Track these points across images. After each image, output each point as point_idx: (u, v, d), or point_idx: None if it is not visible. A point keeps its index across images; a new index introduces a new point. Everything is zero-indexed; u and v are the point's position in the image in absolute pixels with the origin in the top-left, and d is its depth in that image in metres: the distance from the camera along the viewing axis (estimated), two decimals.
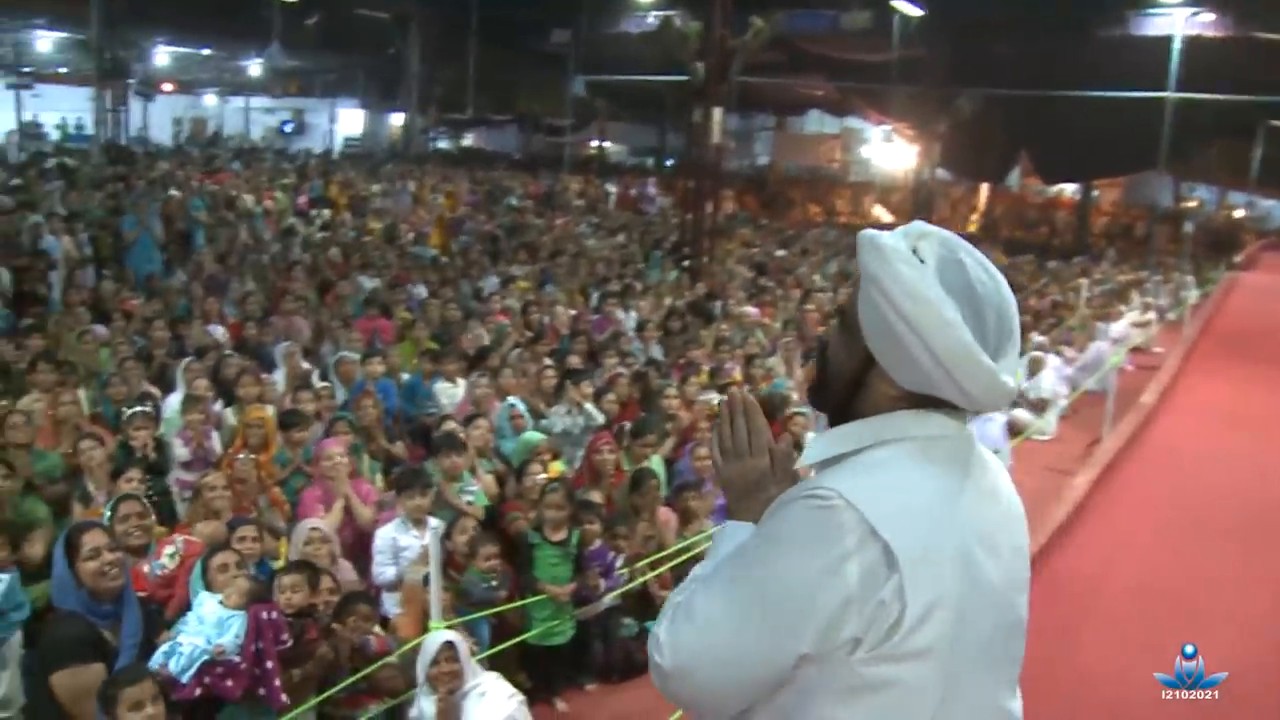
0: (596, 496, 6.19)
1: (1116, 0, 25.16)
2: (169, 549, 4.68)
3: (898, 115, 27.56)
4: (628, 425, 7.45)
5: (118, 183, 18.27)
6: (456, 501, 5.92)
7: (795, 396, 8.30)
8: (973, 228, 30.51)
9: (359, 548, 5.70)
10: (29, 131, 30.56)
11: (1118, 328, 14.25)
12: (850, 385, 1.66)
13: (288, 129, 41.54)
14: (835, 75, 28.43)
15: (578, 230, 20.55)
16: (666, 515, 6.16)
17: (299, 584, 4.39)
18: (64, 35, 30.12)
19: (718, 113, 15.44)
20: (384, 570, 5.35)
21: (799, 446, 4.87)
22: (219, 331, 9.51)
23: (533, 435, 6.94)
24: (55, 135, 32.76)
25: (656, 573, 5.71)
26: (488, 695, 4.38)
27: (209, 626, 3.98)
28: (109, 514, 4.71)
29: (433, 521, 4.54)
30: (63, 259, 11.74)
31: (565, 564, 5.43)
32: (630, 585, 5.66)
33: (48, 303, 10.53)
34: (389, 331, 10.12)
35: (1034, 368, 10.91)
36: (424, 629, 4.43)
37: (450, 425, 6.78)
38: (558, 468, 6.69)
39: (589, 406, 7.68)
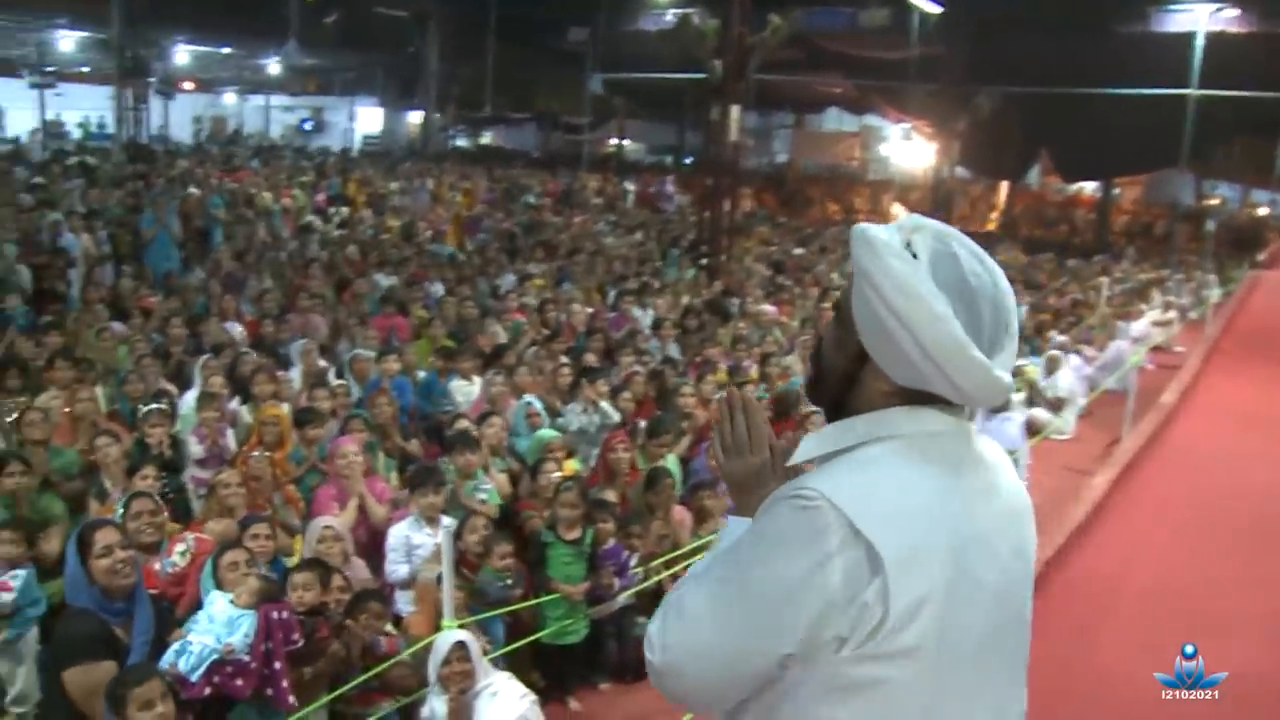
0: (611, 495, 6.17)
1: None
2: (180, 547, 4.69)
3: (917, 113, 27.44)
4: (643, 424, 7.44)
5: (137, 181, 18.36)
6: (468, 501, 5.91)
7: None
8: (992, 226, 30.35)
9: (373, 546, 5.69)
10: (52, 130, 30.78)
11: (1138, 327, 14.15)
12: (844, 381, 1.64)
13: (307, 127, 41.68)
14: (854, 73, 28.33)
15: (595, 228, 20.54)
16: (681, 514, 6.13)
17: (311, 582, 4.38)
18: (86, 35, 30.27)
19: (736, 110, 15.41)
20: (397, 568, 5.34)
21: None
22: (236, 329, 9.53)
23: (546, 433, 6.92)
24: (77, 134, 33.01)
25: (671, 572, 5.69)
26: (499, 695, 4.37)
27: (219, 625, 3.99)
28: (121, 511, 4.73)
29: (445, 520, 4.53)
30: (82, 256, 11.80)
31: (579, 563, 5.41)
32: (645, 584, 5.63)
33: (67, 300, 10.58)
34: (405, 329, 10.13)
35: (1051, 366, 10.84)
36: (437, 627, 4.42)
37: (463, 423, 6.78)
38: (572, 466, 6.67)
39: (605, 405, 7.66)
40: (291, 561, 5.10)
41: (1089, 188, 31.47)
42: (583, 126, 35.84)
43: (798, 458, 1.66)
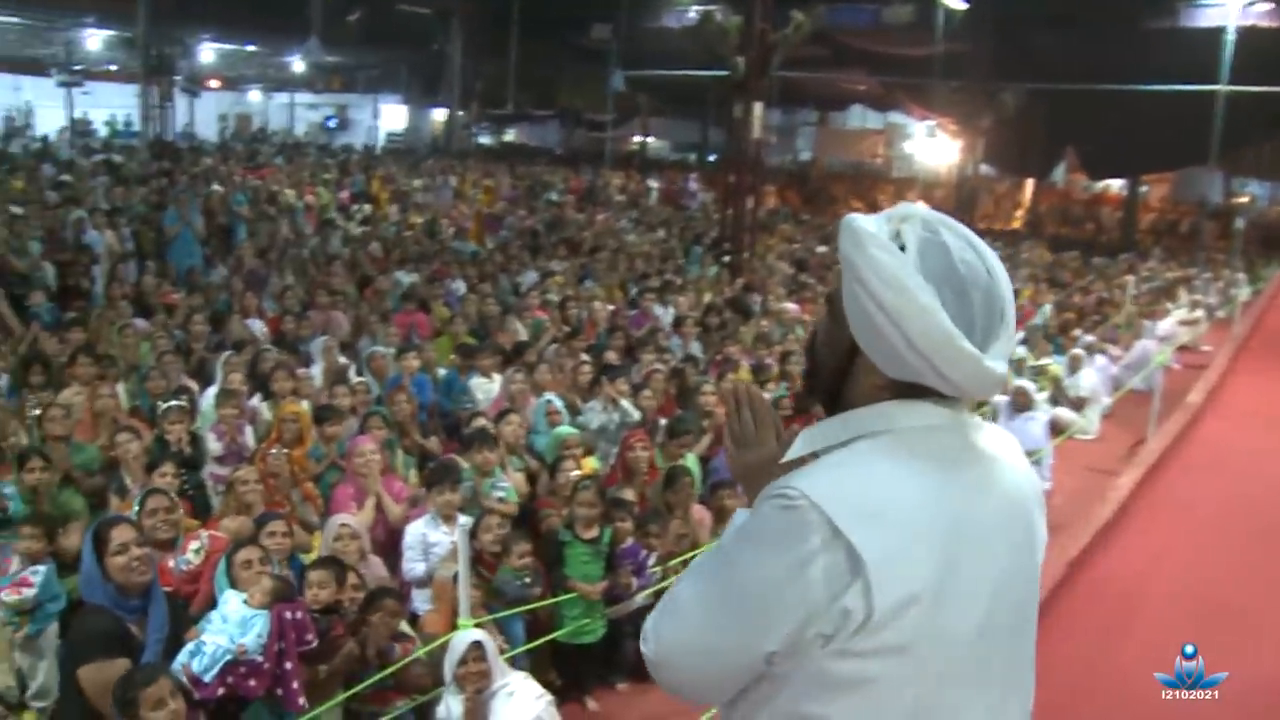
0: (630, 494, 6.13)
1: None
2: (194, 544, 4.70)
3: (941, 110, 27.24)
4: (664, 422, 7.41)
5: (162, 178, 18.47)
6: (486, 500, 5.90)
7: None
8: (1017, 224, 30.16)
9: (390, 544, 5.69)
10: (79, 128, 31.04)
11: (1164, 325, 14.00)
12: (837, 375, 1.63)
13: (331, 124, 41.85)
14: (878, 70, 28.15)
15: (618, 225, 20.53)
16: (701, 513, 6.09)
17: (326, 580, 4.38)
18: (112, 33, 30.48)
19: (758, 107, 15.35)
20: (414, 566, 5.34)
21: None
22: (258, 326, 9.57)
23: (564, 430, 6.89)
24: (104, 132, 33.28)
25: None
26: (516, 695, 4.35)
27: (232, 626, 3.98)
28: (137, 508, 4.74)
29: (461, 519, 4.51)
30: (105, 253, 11.87)
31: (596, 562, 5.39)
32: (663, 584, 5.60)
33: (91, 297, 10.65)
34: (426, 326, 10.14)
35: (1074, 365, 10.73)
36: (453, 626, 4.40)
37: (481, 421, 6.77)
38: (591, 464, 6.65)
39: (625, 403, 7.64)
40: (309, 558, 5.11)
41: (1116, 185, 31.21)
42: (606, 123, 35.79)
43: (792, 453, 1.63)
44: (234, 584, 4.24)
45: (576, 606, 5.30)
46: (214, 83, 36.99)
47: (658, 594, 5.64)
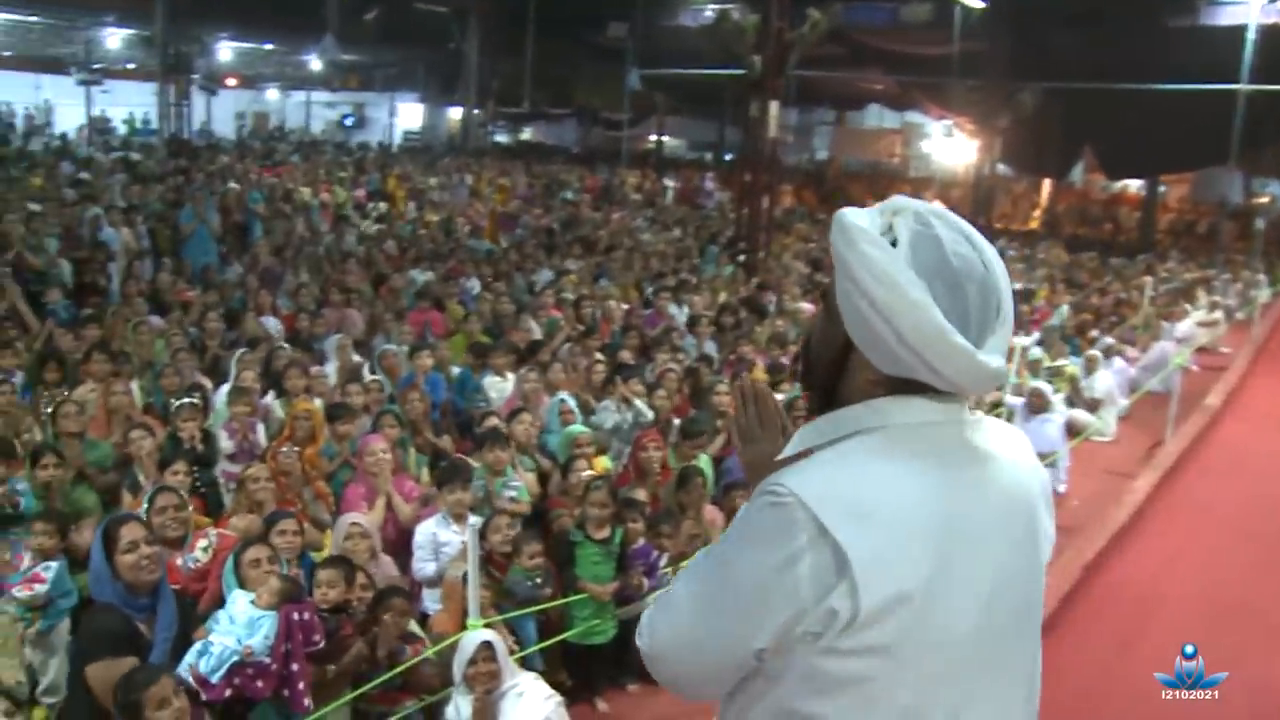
0: (642, 494, 6.10)
1: None
2: (202, 543, 4.70)
3: (959, 109, 27.07)
4: (677, 422, 7.38)
5: (178, 176, 18.54)
6: (497, 501, 5.88)
7: None
8: (1034, 224, 30.01)
9: (401, 543, 5.68)
10: (98, 126, 31.21)
11: (1183, 327, 13.89)
12: (832, 371, 1.61)
13: (348, 123, 41.98)
14: (895, 69, 28.03)
15: (634, 224, 20.51)
16: (713, 514, 6.06)
17: (335, 579, 4.37)
18: (132, 32, 30.65)
19: (775, 106, 15.30)
20: (424, 566, 5.33)
21: None
22: (273, 324, 9.58)
23: (575, 428, 6.87)
24: (122, 130, 33.46)
25: None
26: (525, 696, 4.33)
27: (240, 627, 3.98)
28: (146, 505, 4.74)
29: (471, 518, 4.50)
30: (121, 251, 11.92)
31: (607, 562, 5.36)
32: None
33: (107, 294, 10.69)
34: (440, 325, 10.14)
35: (1089, 367, 10.65)
36: (463, 626, 4.38)
37: (493, 420, 6.75)
38: (603, 464, 6.62)
39: (638, 403, 7.61)
40: (320, 557, 5.10)
41: (1134, 185, 31.01)
42: (622, 122, 35.75)
43: (788, 450, 1.61)
44: (242, 583, 4.23)
45: (587, 607, 5.27)
46: (232, 81, 37.13)
47: None
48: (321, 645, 4.11)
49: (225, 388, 7.41)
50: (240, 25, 30.47)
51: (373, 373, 8.18)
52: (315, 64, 35.50)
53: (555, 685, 4.65)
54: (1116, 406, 10.51)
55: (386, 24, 31.52)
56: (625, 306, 11.60)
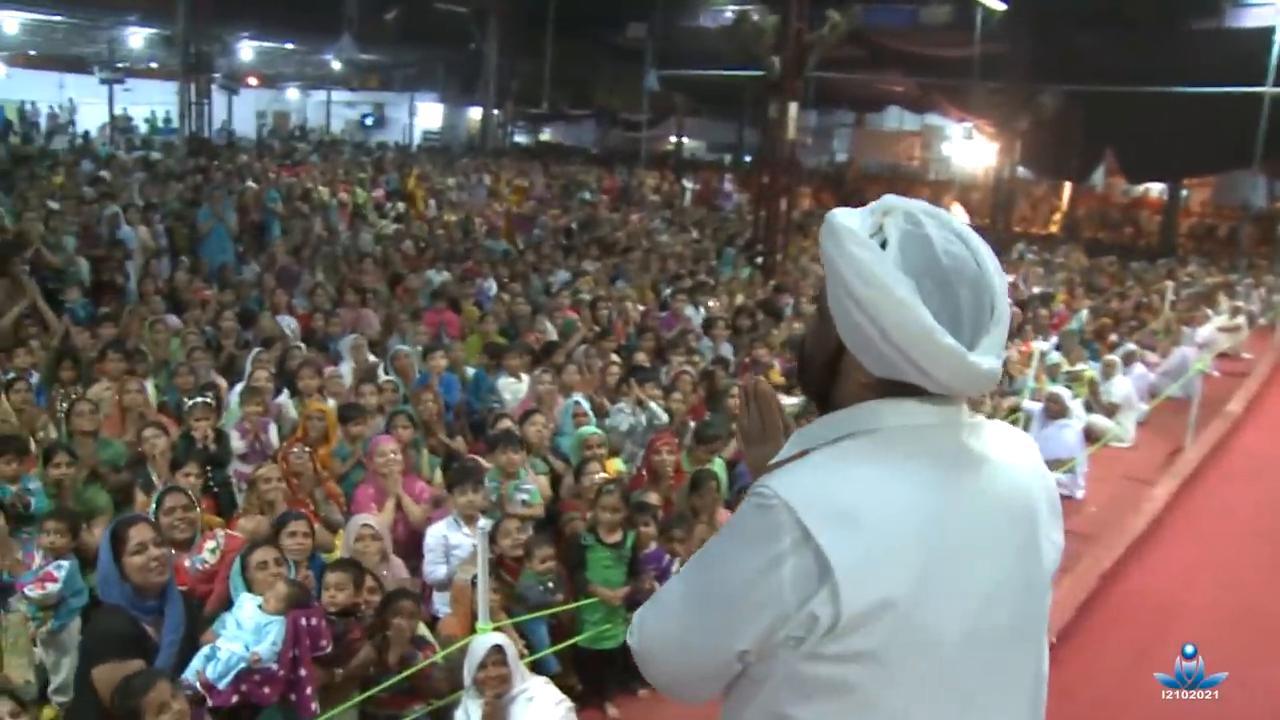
0: (654, 498, 6.07)
1: None
2: (210, 544, 4.69)
3: (979, 112, 26.92)
4: (693, 425, 7.34)
5: (197, 175, 18.61)
6: (509, 505, 5.85)
7: None
8: (1054, 228, 29.83)
9: (411, 545, 5.66)
10: (119, 125, 31.41)
11: (1204, 332, 13.75)
12: (825, 374, 1.60)
13: (368, 122, 42.11)
14: (915, 71, 27.89)
15: (651, 226, 20.48)
16: (727, 518, 6.02)
17: (344, 582, 4.36)
18: (154, 31, 30.84)
19: (793, 108, 15.25)
20: (435, 569, 5.30)
21: None
22: (290, 323, 9.59)
23: (586, 429, 6.84)
24: (144, 128, 33.66)
25: None
26: (535, 700, 4.30)
27: (247, 632, 3.96)
28: (154, 506, 4.73)
29: (481, 521, 4.47)
30: (139, 249, 11.95)
31: (619, 567, 5.33)
32: None
33: (124, 292, 10.72)
34: (455, 325, 10.13)
35: (1107, 371, 10.56)
36: (471, 630, 4.36)
37: (506, 422, 6.73)
38: (616, 466, 6.59)
39: (653, 405, 7.57)
40: (331, 558, 5.09)
41: (1155, 189, 30.79)
42: (641, 123, 35.72)
43: (784, 453, 1.59)
44: (249, 585, 4.21)
45: (598, 611, 5.24)
46: (252, 80, 37.29)
47: None
48: (329, 650, 4.09)
49: (239, 387, 7.42)
50: (261, 25, 30.57)
51: (387, 373, 8.18)
52: (335, 64, 35.63)
53: (566, 690, 4.62)
54: (1136, 412, 10.41)
55: (406, 24, 31.59)
56: (641, 308, 11.57)
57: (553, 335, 9.84)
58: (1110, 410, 10.09)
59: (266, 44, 34.35)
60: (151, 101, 34.17)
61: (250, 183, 17.03)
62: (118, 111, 31.78)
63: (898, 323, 1.41)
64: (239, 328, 9.05)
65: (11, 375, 6.96)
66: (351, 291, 10.52)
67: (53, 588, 4.56)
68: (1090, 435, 9.21)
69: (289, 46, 35.12)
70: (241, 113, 35.47)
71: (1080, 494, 8.37)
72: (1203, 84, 21.78)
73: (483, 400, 8.21)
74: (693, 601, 1.55)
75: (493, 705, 4.20)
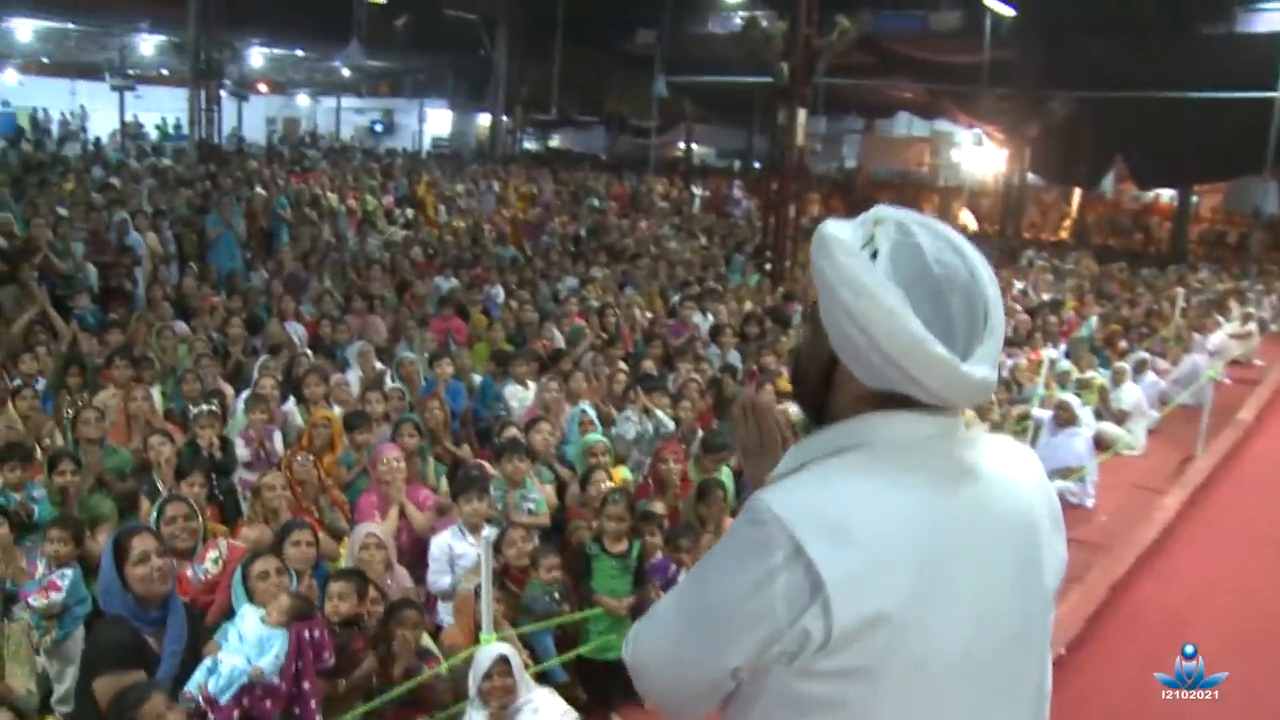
0: (660, 507, 6.03)
1: None
2: (212, 554, 4.67)
3: (988, 118, 26.87)
4: (700, 433, 7.30)
5: (206, 181, 18.63)
6: (514, 514, 5.83)
7: None
8: (1064, 234, 29.73)
9: (415, 553, 5.64)
10: (130, 131, 31.52)
11: (1215, 339, 13.68)
12: (820, 386, 1.58)
13: (378, 129, 42.20)
14: (924, 77, 27.83)
15: (660, 232, 20.45)
16: None
17: (347, 592, 4.33)
18: (164, 38, 30.97)
19: (802, 114, 15.21)
20: (439, 578, 5.28)
21: None
22: (298, 330, 9.58)
23: (590, 437, 6.81)
24: (155, 135, 33.78)
25: None
26: (540, 711, 4.27)
27: (249, 646, 3.93)
28: (155, 515, 4.71)
29: (485, 530, 4.45)
30: (147, 255, 11.96)
31: (624, 577, 5.30)
32: None
33: (133, 299, 10.73)
34: (463, 332, 10.12)
35: (1117, 379, 10.50)
36: (475, 640, 4.33)
37: (512, 431, 6.71)
38: (622, 475, 6.56)
39: (659, 413, 7.54)
40: (336, 567, 5.07)
41: (1166, 195, 30.68)
42: (651, 130, 35.71)
43: (780, 468, 1.58)
44: (250, 595, 4.19)
45: (603, 621, 5.21)
46: (262, 87, 37.41)
47: None
48: (331, 663, 4.06)
49: (246, 394, 7.41)
50: (271, 31, 30.65)
51: (393, 380, 8.16)
52: (345, 70, 35.71)
53: (571, 700, 4.60)
54: (1146, 419, 10.34)
55: (416, 30, 31.66)
56: (650, 315, 11.54)
57: (560, 342, 9.82)
58: (1120, 418, 10.02)
59: (276, 50, 34.44)
60: (162, 108, 34.31)
61: (259, 189, 17.03)
62: (128, 118, 31.87)
63: (888, 332, 1.40)
64: (246, 334, 9.04)
65: (18, 382, 6.95)
66: (359, 298, 10.51)
67: (56, 597, 4.54)
68: (1100, 443, 9.15)
69: (299, 53, 35.22)
70: (251, 119, 35.57)
71: (1090, 503, 8.31)
72: (1213, 89, 21.69)
73: (489, 408, 8.19)
74: (686, 617, 1.54)
75: (498, 716, 4.18)
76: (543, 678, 4.73)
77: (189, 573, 4.64)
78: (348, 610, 4.33)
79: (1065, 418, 8.71)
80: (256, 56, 33.94)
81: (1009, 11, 23.49)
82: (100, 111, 33.31)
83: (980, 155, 31.82)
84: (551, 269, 14.21)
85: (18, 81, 34.32)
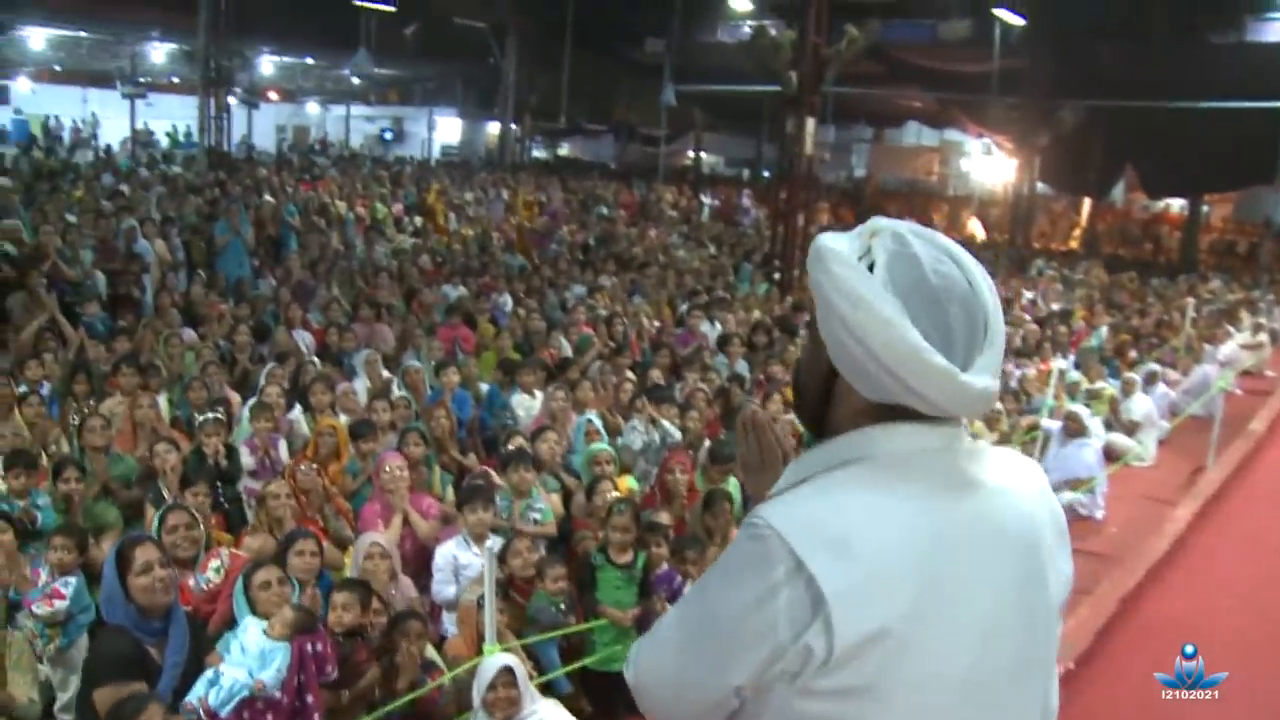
0: (666, 517, 6.00)
1: (1233, 5, 24.20)
2: (214, 563, 4.65)
3: (998, 127, 26.84)
4: (708, 443, 7.27)
5: (215, 189, 18.68)
6: (520, 524, 5.80)
7: None
8: (1074, 244, 29.68)
9: (419, 562, 5.62)
10: (141, 139, 31.66)
11: (1225, 350, 13.60)
12: (820, 399, 1.57)
13: (388, 137, 42.30)
14: (933, 86, 27.83)
15: (669, 241, 20.44)
16: None
17: (351, 602, 4.31)
18: (175, 46, 31.13)
19: (811, 123, 15.22)
20: (443, 588, 5.25)
21: None
22: (306, 338, 9.58)
23: (596, 446, 6.78)
24: (165, 142, 33.93)
25: None
26: None
27: (251, 658, 3.90)
28: (156, 524, 4.70)
29: (489, 540, 4.43)
30: (155, 262, 11.98)
31: (629, 587, 5.27)
32: None
33: (141, 306, 10.74)
34: (469, 340, 10.10)
35: (1127, 389, 10.44)
36: (478, 651, 4.31)
37: (519, 440, 6.68)
38: (628, 485, 6.53)
39: (665, 423, 7.51)
40: (341, 576, 5.05)
41: (1176, 205, 30.61)
42: (660, 138, 35.75)
43: (781, 483, 1.56)
44: (252, 605, 4.16)
45: (608, 633, 5.18)
46: (272, 95, 37.54)
47: None
48: (334, 676, 4.04)
49: (252, 401, 7.40)
50: (281, 40, 30.82)
51: (400, 389, 8.14)
52: (354, 78, 35.83)
53: (575, 712, 4.57)
54: (1156, 430, 10.28)
55: (425, 39, 31.76)
56: (657, 324, 11.52)
57: (568, 351, 9.80)
58: (1130, 429, 9.96)
59: (286, 59, 34.65)
60: (173, 116, 34.49)
61: (267, 197, 17.07)
62: (139, 126, 32.03)
63: (885, 342, 1.39)
64: (254, 342, 9.04)
65: (24, 388, 6.95)
66: (367, 306, 10.50)
67: (60, 605, 4.53)
68: (1110, 454, 9.10)
69: (309, 61, 35.38)
70: (261, 127, 35.71)
71: (1100, 514, 8.25)
72: (1224, 99, 21.65)
73: (496, 416, 8.16)
74: (687, 635, 1.51)
75: None
76: (547, 689, 4.70)
77: (191, 582, 4.62)
78: (351, 621, 4.30)
79: (1075, 428, 8.66)
80: (266, 64, 34.12)
81: (1018, 20, 23.46)
82: (111, 119, 33.51)
83: (990, 164, 31.79)
84: (559, 277, 14.21)
85: (30, 89, 34.54)
